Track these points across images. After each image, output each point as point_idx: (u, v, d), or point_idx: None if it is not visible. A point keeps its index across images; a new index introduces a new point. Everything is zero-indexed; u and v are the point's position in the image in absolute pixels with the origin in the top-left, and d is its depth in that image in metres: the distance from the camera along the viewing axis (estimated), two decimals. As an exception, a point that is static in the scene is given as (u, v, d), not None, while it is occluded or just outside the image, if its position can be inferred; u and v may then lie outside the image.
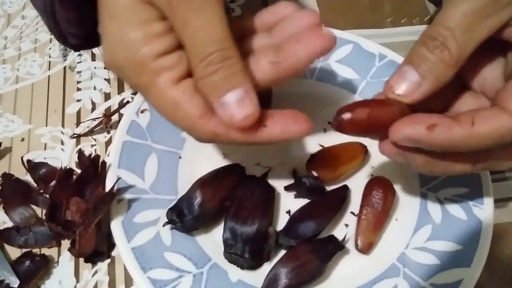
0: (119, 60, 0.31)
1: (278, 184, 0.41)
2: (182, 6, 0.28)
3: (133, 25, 0.30)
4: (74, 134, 0.45)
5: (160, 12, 0.30)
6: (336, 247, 0.37)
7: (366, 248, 0.38)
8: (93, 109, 0.47)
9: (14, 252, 0.39)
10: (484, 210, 0.39)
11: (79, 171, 0.42)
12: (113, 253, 0.39)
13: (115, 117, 0.45)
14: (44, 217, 0.39)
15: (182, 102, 0.30)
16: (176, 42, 0.30)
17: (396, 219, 0.40)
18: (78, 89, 0.48)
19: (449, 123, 0.29)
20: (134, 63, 0.30)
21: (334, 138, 0.43)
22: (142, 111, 0.42)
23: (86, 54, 0.50)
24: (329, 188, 0.41)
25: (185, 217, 0.37)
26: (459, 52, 0.30)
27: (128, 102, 0.45)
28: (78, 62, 0.49)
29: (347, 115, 0.30)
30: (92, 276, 0.38)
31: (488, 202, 0.39)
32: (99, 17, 0.31)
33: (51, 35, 0.50)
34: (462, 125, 0.29)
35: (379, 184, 0.39)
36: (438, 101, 0.34)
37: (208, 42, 0.29)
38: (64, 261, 0.39)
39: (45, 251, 0.39)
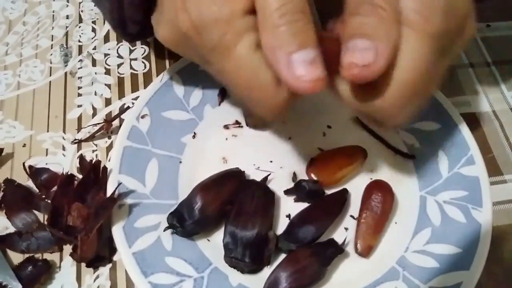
0: (205, 17, 0.29)
1: (278, 188, 0.41)
2: None
3: None
4: (75, 139, 0.45)
5: None
6: (336, 251, 0.37)
7: (365, 252, 0.38)
8: (94, 114, 0.47)
9: (16, 257, 0.39)
10: (483, 213, 0.39)
11: (80, 176, 0.42)
12: (115, 258, 0.39)
13: (116, 123, 0.46)
14: (46, 223, 0.40)
15: (261, 70, 0.29)
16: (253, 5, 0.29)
17: (396, 223, 0.40)
18: (79, 95, 0.48)
19: None
20: (222, 20, 0.29)
21: (333, 142, 0.43)
22: (142, 117, 0.43)
23: (86, 60, 0.50)
24: (328, 191, 0.41)
25: (186, 222, 0.38)
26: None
27: (128, 107, 0.45)
28: (79, 68, 0.50)
29: None
30: (94, 281, 0.39)
31: (487, 205, 0.39)
32: None
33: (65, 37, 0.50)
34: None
35: (378, 188, 0.40)
36: None
37: None
38: (66, 266, 0.39)
39: (47, 256, 0.39)
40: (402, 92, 0.29)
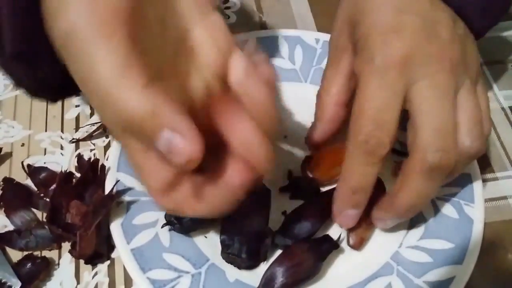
0: None
1: (274, 185, 0.42)
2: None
3: None
4: (73, 139, 0.46)
5: None
6: (331, 246, 0.38)
7: (357, 244, 0.39)
8: (92, 114, 0.47)
9: (16, 255, 0.39)
10: (475, 209, 0.40)
11: (78, 175, 0.43)
12: (113, 255, 0.40)
13: (113, 122, 0.46)
14: (44, 220, 0.40)
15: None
16: None
17: (390, 219, 0.41)
18: (77, 95, 0.49)
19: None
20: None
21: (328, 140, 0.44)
22: (140, 116, 0.43)
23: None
24: (323, 189, 0.42)
25: (183, 219, 0.38)
26: None
27: (126, 107, 0.46)
28: (76, 69, 0.50)
29: None
30: (93, 277, 0.39)
31: (479, 201, 0.40)
32: None
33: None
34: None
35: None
36: None
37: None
38: (65, 263, 0.39)
39: (46, 253, 0.40)
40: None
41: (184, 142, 0.24)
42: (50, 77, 0.26)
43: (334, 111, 0.40)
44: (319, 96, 0.41)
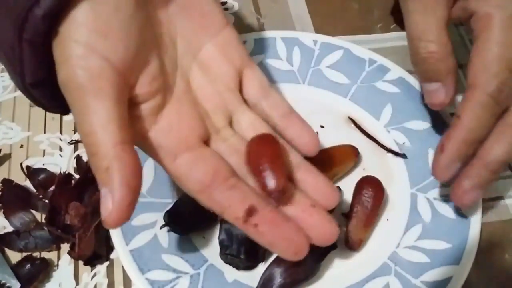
0: None
1: (272, 186, 0.42)
2: None
3: None
4: (72, 140, 0.46)
5: None
6: (329, 247, 0.38)
7: (356, 245, 0.39)
8: (91, 115, 0.47)
9: (15, 256, 0.40)
10: (472, 209, 0.40)
11: (77, 176, 0.43)
12: (112, 256, 0.40)
13: (112, 123, 0.46)
14: (43, 222, 0.40)
15: None
16: None
17: (388, 219, 0.41)
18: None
19: None
20: None
21: (325, 141, 0.44)
22: (138, 117, 0.43)
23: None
24: (322, 189, 0.42)
25: (182, 220, 0.38)
26: None
27: (124, 108, 0.46)
28: (75, 70, 0.50)
29: None
30: (92, 278, 0.39)
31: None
32: None
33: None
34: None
35: (369, 183, 0.40)
36: None
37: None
38: (64, 264, 0.40)
39: (45, 254, 0.40)
40: None
41: (110, 202, 0.26)
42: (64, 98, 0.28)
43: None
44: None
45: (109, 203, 0.26)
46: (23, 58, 0.27)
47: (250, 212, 0.30)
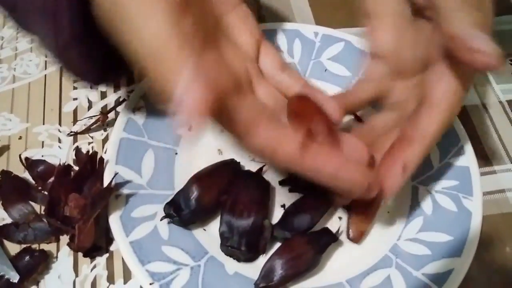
0: None
1: (273, 179, 0.42)
2: None
3: None
4: (71, 132, 0.45)
5: None
6: (330, 239, 0.38)
7: (357, 237, 0.39)
8: (90, 107, 0.47)
9: (14, 248, 0.39)
10: (474, 201, 0.40)
11: (76, 168, 0.43)
12: (112, 248, 0.40)
13: (111, 115, 0.46)
14: (43, 213, 0.40)
15: None
16: None
17: (388, 212, 0.41)
18: (75, 88, 0.48)
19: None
20: None
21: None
22: (138, 109, 0.43)
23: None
24: (322, 182, 0.42)
25: (182, 212, 0.38)
26: None
27: (124, 100, 0.46)
28: (74, 62, 0.50)
29: None
30: (91, 270, 0.39)
31: (477, 194, 0.40)
32: None
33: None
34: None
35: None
36: None
37: None
38: (63, 256, 0.39)
39: (44, 246, 0.40)
40: None
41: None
42: (99, 60, 0.29)
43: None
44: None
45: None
46: (60, 11, 0.28)
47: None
